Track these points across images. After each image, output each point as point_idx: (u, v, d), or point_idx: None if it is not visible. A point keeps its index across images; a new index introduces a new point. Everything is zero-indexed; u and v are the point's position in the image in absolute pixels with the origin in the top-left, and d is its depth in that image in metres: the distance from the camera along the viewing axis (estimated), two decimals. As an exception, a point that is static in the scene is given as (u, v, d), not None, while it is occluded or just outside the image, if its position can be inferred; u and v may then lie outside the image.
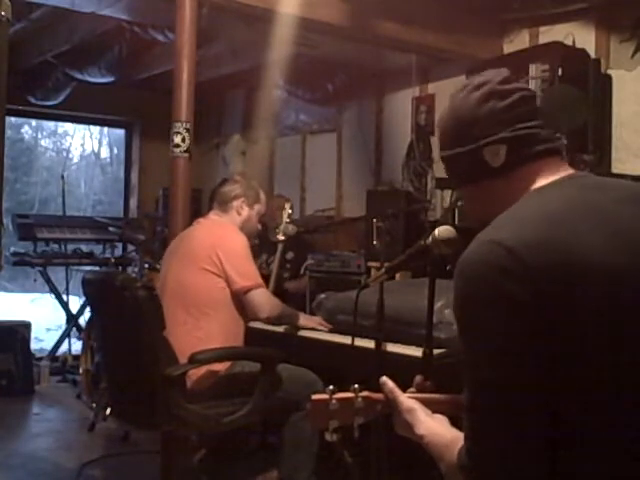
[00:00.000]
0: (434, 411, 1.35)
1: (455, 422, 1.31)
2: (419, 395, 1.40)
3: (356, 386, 1.37)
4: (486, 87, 1.30)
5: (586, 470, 1.09)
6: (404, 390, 1.41)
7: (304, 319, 3.18)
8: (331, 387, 1.35)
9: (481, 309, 1.11)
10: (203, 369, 2.84)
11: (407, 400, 1.36)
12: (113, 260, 5.93)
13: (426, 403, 1.36)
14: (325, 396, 1.34)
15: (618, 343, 1.08)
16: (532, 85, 3.74)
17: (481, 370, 1.13)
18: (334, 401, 1.33)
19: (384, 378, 1.40)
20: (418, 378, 1.47)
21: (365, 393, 1.37)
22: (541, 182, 1.26)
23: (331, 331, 3.04)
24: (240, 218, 3.18)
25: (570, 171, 1.29)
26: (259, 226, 3.31)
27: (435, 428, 1.30)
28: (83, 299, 5.36)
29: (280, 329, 3.17)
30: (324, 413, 1.33)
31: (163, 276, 3.14)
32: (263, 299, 3.01)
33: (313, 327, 3.13)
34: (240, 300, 3.01)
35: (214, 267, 2.96)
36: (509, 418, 1.10)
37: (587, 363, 1.07)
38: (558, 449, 1.09)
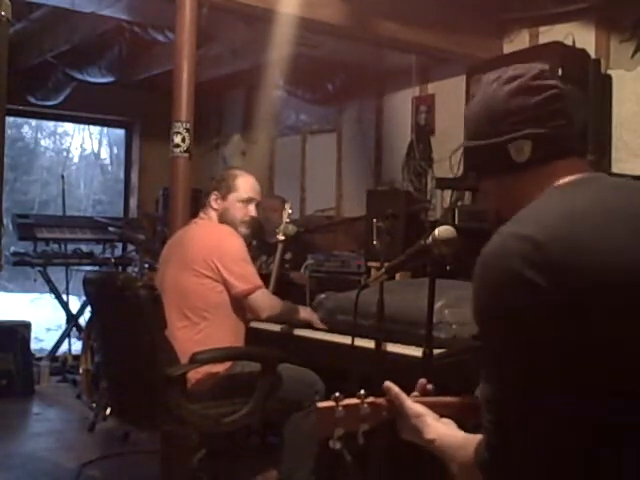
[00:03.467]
0: (440, 415, 1.33)
1: (462, 426, 1.30)
2: (424, 399, 1.39)
3: (362, 392, 1.34)
4: (518, 81, 1.29)
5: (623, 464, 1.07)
6: (406, 391, 1.39)
7: (304, 312, 3.18)
8: (337, 394, 1.32)
9: (503, 299, 1.11)
10: (203, 369, 2.84)
11: (414, 405, 1.34)
12: (113, 260, 5.93)
13: (431, 407, 1.34)
14: (331, 403, 1.31)
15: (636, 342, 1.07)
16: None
17: (502, 361, 1.11)
18: (340, 408, 1.30)
19: (388, 383, 1.38)
20: (421, 381, 1.45)
21: (371, 399, 1.34)
22: (563, 180, 1.26)
23: (331, 331, 3.04)
24: (216, 213, 3.18)
25: (590, 171, 1.29)
26: (249, 214, 3.18)
27: (444, 431, 1.29)
28: (83, 299, 5.37)
29: (280, 329, 3.17)
30: (330, 420, 1.30)
31: (161, 279, 3.12)
32: (263, 300, 3.03)
33: (311, 321, 3.13)
34: (240, 302, 3.02)
35: (211, 272, 2.96)
36: (532, 409, 1.08)
37: (603, 357, 1.06)
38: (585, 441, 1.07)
